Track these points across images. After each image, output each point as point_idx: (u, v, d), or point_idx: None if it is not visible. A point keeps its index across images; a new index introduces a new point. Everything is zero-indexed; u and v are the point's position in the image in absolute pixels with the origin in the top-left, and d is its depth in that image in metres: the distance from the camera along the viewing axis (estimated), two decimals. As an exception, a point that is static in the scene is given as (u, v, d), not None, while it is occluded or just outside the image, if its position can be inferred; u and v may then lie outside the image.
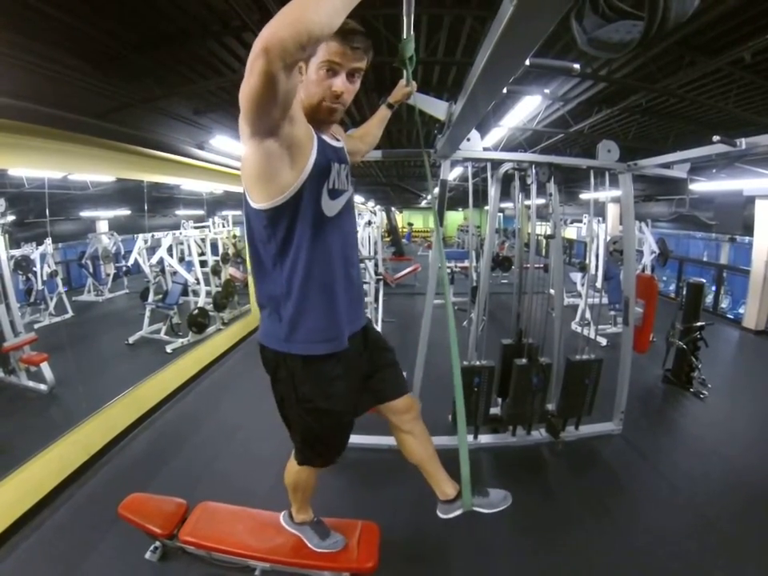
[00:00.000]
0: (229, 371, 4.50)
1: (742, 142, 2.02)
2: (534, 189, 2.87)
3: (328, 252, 1.25)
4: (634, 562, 2.04)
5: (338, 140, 1.33)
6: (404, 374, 1.68)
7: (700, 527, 2.25)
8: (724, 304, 7.99)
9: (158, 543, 1.96)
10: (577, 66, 1.55)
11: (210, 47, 3.24)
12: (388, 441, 2.81)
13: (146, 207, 4.06)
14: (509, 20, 0.84)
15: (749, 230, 6.47)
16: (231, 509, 2.02)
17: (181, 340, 4.37)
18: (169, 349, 4.24)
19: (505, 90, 1.71)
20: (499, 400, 3.12)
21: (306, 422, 1.41)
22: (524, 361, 2.81)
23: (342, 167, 1.30)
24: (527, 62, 1.16)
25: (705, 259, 12.30)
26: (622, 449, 3.00)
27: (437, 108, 2.02)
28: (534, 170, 2.83)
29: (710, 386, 3.93)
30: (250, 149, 1.07)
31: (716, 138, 2.04)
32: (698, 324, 3.98)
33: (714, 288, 7.48)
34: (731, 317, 7.26)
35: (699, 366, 3.96)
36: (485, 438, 3.01)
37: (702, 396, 3.80)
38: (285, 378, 1.34)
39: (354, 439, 2.87)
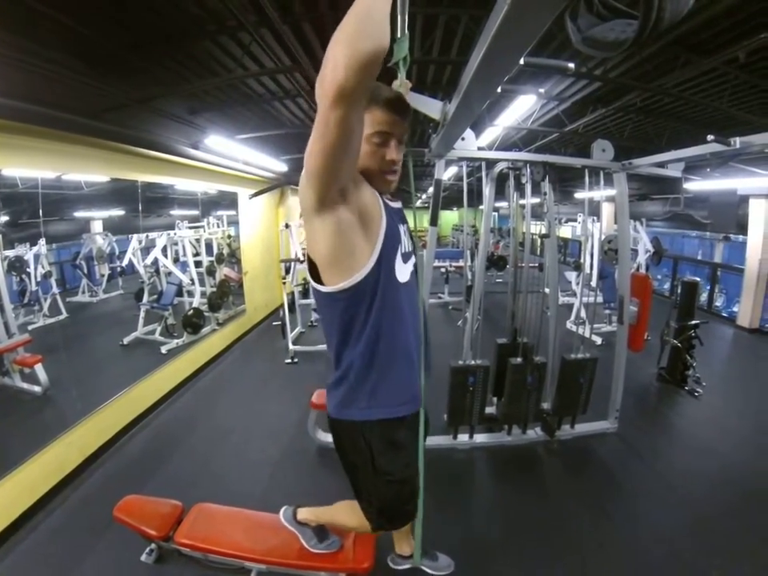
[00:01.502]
0: (224, 372, 4.50)
1: (737, 141, 2.04)
2: (528, 188, 2.88)
3: (404, 317, 1.24)
4: (630, 560, 2.05)
5: (396, 201, 1.30)
6: None
7: (696, 525, 2.28)
8: (718, 302, 8.02)
9: (153, 545, 1.95)
10: (571, 65, 1.56)
11: (206, 47, 3.23)
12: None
13: (140, 207, 4.04)
14: (503, 19, 0.84)
15: (743, 228, 6.51)
16: (227, 510, 2.01)
17: (176, 341, 4.35)
18: (164, 350, 4.22)
19: (499, 90, 1.71)
20: (494, 399, 3.13)
21: (384, 493, 1.37)
22: (519, 360, 2.81)
23: (405, 228, 1.28)
24: (521, 61, 1.15)
25: (699, 258, 12.35)
26: (617, 447, 3.02)
27: (431, 107, 2.02)
28: (528, 169, 2.83)
29: (704, 384, 3.95)
30: (319, 224, 1.02)
31: (711, 137, 2.05)
32: (693, 322, 4.00)
33: (708, 286, 7.53)
34: (725, 315, 7.30)
35: (694, 365, 3.98)
36: (480, 438, 3.01)
37: (696, 394, 3.83)
38: (363, 449, 1.29)
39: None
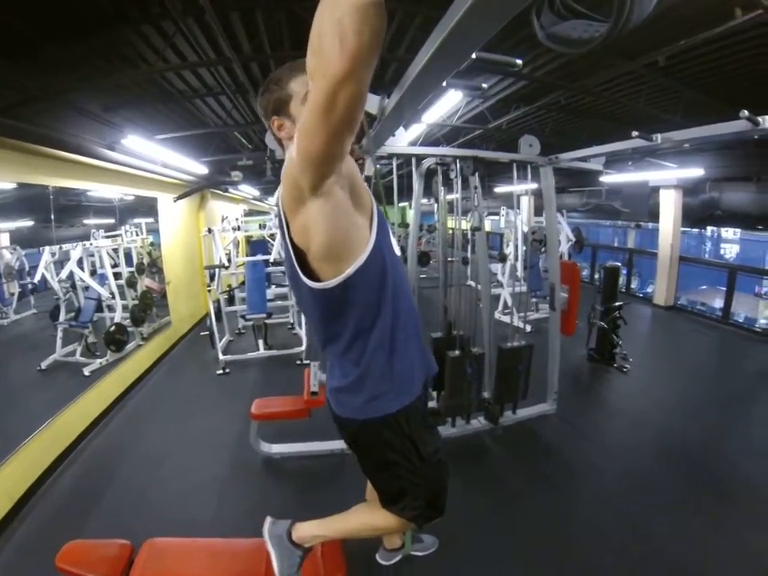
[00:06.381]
0: (154, 389, 4.21)
1: (658, 137, 2.19)
2: (458, 183, 2.92)
3: (406, 288, 1.18)
4: (584, 529, 2.17)
5: None
6: None
7: (638, 490, 2.46)
8: (634, 284, 8.70)
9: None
10: (519, 61, 1.60)
11: (127, 36, 3.00)
12: (329, 446, 2.77)
13: (52, 217, 3.69)
14: (466, 11, 0.81)
15: (654, 216, 7.11)
16: (180, 542, 1.83)
17: (99, 361, 4.00)
18: (87, 371, 3.87)
19: (444, 84, 1.71)
20: (434, 393, 3.15)
21: (435, 478, 1.31)
22: (456, 353, 2.85)
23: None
24: (474, 55, 1.15)
25: (616, 245, 13.36)
26: (558, 427, 3.17)
27: (369, 102, 1.98)
28: (458, 165, 2.88)
29: (631, 359, 4.25)
30: (317, 208, 0.92)
31: (635, 133, 2.20)
32: (617, 304, 4.28)
33: (625, 271, 8.14)
34: (641, 295, 7.95)
35: (620, 343, 4.27)
36: (427, 432, 3.02)
37: (624, 370, 4.11)
38: (403, 442, 1.21)
39: (295, 448, 2.80)
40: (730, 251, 14.12)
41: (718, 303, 7.49)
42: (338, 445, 2.77)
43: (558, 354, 3.24)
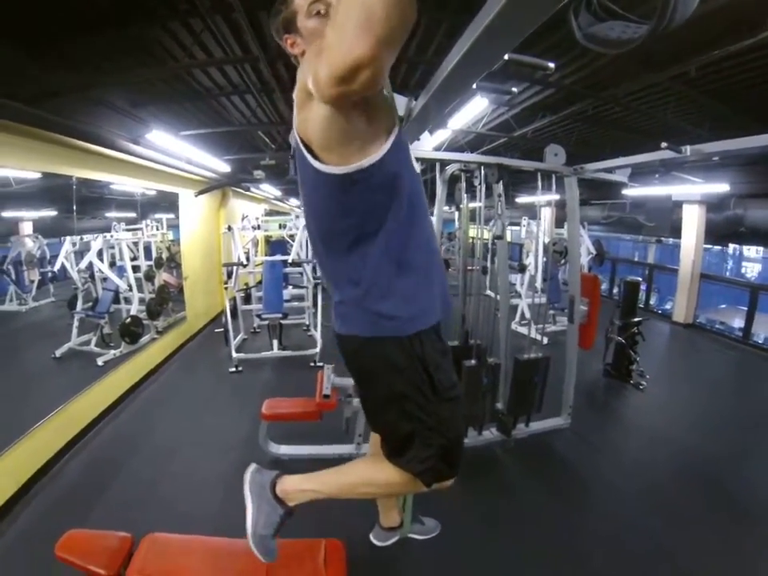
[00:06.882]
0: (165, 384, 4.23)
1: (687, 149, 2.14)
2: (482, 190, 2.89)
3: (425, 208, 1.11)
4: (599, 546, 2.12)
5: None
6: None
7: (656, 509, 2.39)
8: (652, 300, 8.55)
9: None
10: (551, 64, 1.57)
11: (155, 34, 3.03)
12: (338, 449, 2.75)
13: (74, 207, 3.73)
14: (499, 11, 0.78)
15: (677, 232, 6.97)
16: (181, 539, 1.82)
17: (113, 351, 4.04)
18: (100, 361, 3.91)
19: (474, 86, 1.68)
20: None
21: (449, 418, 1.13)
22: (473, 362, 2.80)
23: None
24: (506, 56, 1.13)
25: (636, 259, 13.16)
26: (572, 442, 3.11)
27: (397, 102, 1.96)
28: (482, 172, 2.84)
29: (648, 376, 4.15)
30: (320, 111, 0.90)
31: (664, 144, 2.15)
32: (636, 320, 4.19)
33: (644, 286, 8.01)
34: (660, 312, 7.80)
35: (637, 359, 4.17)
36: (438, 441, 2.98)
37: (641, 387, 4.02)
38: (410, 366, 1.06)
39: (304, 450, 2.78)
40: (752, 270, 13.81)
41: (738, 323, 7.34)
42: (348, 449, 2.74)
43: (574, 368, 3.18)
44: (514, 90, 2.24)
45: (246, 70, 3.73)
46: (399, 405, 1.09)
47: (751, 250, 13.00)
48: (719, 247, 11.73)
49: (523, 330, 5.43)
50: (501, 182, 2.83)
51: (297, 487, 1.29)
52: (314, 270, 5.31)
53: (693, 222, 6.54)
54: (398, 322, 1.04)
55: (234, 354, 4.51)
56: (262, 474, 1.34)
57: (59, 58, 3.03)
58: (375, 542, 1.78)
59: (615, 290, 7.28)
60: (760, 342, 6.28)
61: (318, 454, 2.76)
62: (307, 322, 5.62)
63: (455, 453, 1.17)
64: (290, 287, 5.84)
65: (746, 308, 5.98)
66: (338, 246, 1.06)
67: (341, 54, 0.67)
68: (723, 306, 10.05)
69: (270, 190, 8.83)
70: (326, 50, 0.71)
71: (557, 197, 3.19)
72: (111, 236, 4.54)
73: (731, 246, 11.80)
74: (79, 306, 4.34)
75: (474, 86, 1.13)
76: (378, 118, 0.98)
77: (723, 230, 7.06)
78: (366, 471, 1.28)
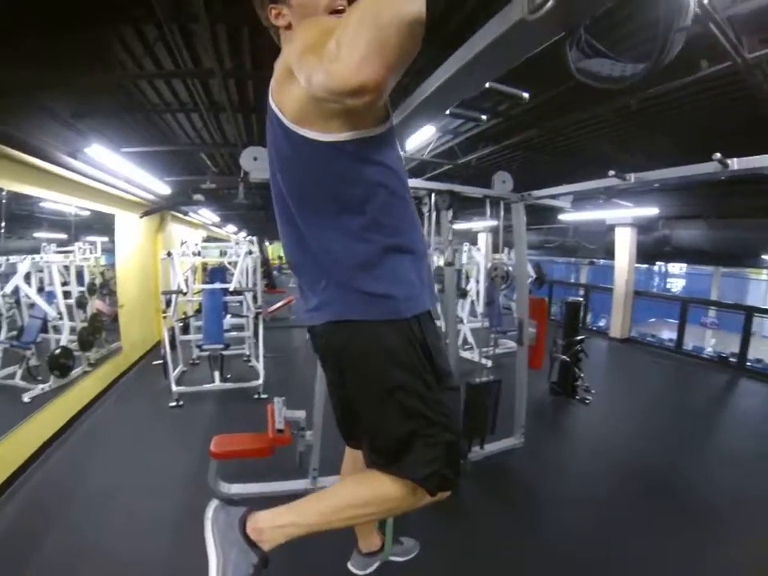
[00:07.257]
0: (101, 420, 3.91)
1: (632, 177, 2.31)
2: (432, 217, 2.94)
3: (413, 218, 1.04)
4: (553, 559, 2.19)
5: None
6: None
7: (605, 517, 2.53)
8: (588, 319, 9.07)
9: None
10: (526, 94, 1.63)
11: (108, 39, 2.86)
12: (292, 485, 2.66)
13: (2, 225, 3.41)
14: (491, 43, 0.80)
15: (610, 253, 7.47)
16: None
17: (41, 386, 3.69)
18: (26, 397, 3.56)
19: (447, 112, 1.71)
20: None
21: (453, 410, 1.03)
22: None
23: None
24: (486, 84, 1.16)
25: (573, 281, 13.96)
26: (526, 460, 3.20)
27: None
28: (432, 199, 2.90)
29: (593, 391, 4.37)
30: (298, 93, 0.86)
31: (611, 172, 2.32)
32: (579, 338, 4.41)
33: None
34: (595, 329, 8.28)
35: (582, 375, 4.38)
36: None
37: (587, 401, 4.23)
38: (409, 350, 0.94)
39: (256, 488, 2.64)
40: (676, 285, 15.03)
41: (666, 334, 7.95)
42: (301, 485, 2.65)
43: (525, 388, 3.27)
44: (483, 117, 2.35)
45: (196, 86, 3.62)
46: (396, 399, 0.96)
47: (675, 267, 14.14)
48: (646, 265, 12.67)
49: (466, 355, 5.53)
50: (450, 209, 2.91)
51: (273, 523, 1.03)
52: (254, 299, 5.17)
53: (625, 243, 7.05)
54: (395, 302, 0.94)
55: (174, 388, 4.24)
56: (228, 511, 1.07)
57: (13, 52, 2.77)
58: (354, 570, 1.63)
59: (554, 311, 7.62)
60: (689, 350, 6.85)
61: (272, 491, 2.63)
62: (248, 353, 5.44)
63: (458, 454, 1.08)
64: (229, 316, 5.66)
65: (673, 320, 6.51)
66: (322, 217, 0.97)
67: (347, 72, 0.65)
68: (653, 319, 10.86)
69: (208, 215, 8.58)
70: (331, 58, 0.67)
71: (493, 223, 3.30)
72: (40, 258, 4.18)
73: (657, 264, 12.78)
74: (3, 334, 3.95)
75: (447, 111, 1.16)
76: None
77: (652, 249, 7.65)
78: (355, 489, 1.07)
